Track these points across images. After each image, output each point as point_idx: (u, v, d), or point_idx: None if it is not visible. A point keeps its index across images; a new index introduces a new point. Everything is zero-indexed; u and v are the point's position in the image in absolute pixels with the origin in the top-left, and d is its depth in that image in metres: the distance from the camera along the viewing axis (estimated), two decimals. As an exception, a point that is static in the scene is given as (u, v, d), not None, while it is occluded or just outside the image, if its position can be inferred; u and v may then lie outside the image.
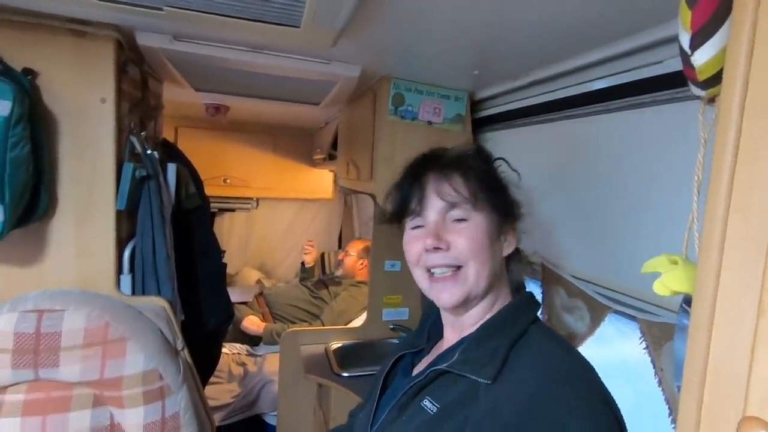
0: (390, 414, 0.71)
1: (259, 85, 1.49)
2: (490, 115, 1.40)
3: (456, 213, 0.70)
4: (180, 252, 1.34)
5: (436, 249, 0.68)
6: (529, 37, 0.94)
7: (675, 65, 0.78)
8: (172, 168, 1.31)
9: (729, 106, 0.31)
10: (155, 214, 1.16)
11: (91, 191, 1.06)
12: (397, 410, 0.69)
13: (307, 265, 3.11)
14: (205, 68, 1.27)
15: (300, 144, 3.18)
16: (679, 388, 0.39)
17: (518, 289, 0.78)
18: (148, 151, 1.18)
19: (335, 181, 3.39)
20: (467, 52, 1.08)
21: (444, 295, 0.70)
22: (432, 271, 0.70)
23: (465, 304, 0.71)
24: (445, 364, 0.66)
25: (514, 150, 1.34)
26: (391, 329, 2.08)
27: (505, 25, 0.89)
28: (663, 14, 0.74)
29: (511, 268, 0.77)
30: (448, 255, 0.68)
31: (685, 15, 0.33)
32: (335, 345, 2.05)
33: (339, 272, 2.74)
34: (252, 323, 2.47)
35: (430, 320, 0.86)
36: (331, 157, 2.27)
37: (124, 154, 1.12)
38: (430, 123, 1.34)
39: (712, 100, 0.35)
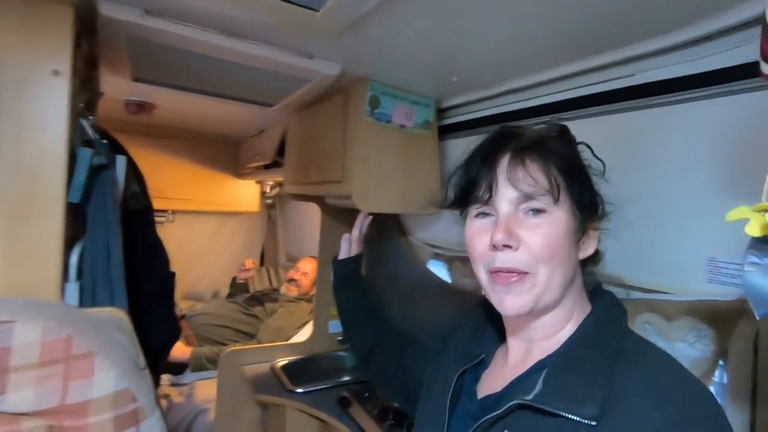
0: None
1: (216, 79, 1.38)
2: (452, 123, 1.50)
3: (532, 205, 0.59)
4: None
5: (506, 246, 0.58)
6: (490, 55, 1.02)
7: (645, 78, 0.92)
8: (121, 161, 1.14)
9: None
10: (110, 212, 1.00)
11: (34, 181, 0.87)
12: None
13: (238, 281, 2.88)
14: (165, 53, 1.15)
15: (223, 154, 2.98)
16: (762, 314, 0.47)
17: (593, 294, 0.68)
18: (101, 140, 1.01)
19: (262, 193, 3.23)
20: (436, 62, 1.13)
21: (507, 302, 0.60)
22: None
23: (531, 312, 0.61)
24: (528, 397, 0.54)
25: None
26: (339, 341, 2.03)
27: (467, 44, 0.96)
28: (635, 33, 0.85)
29: (586, 270, 0.67)
30: (516, 258, 0.59)
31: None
32: (281, 362, 1.93)
33: (292, 292, 2.57)
34: (176, 349, 2.19)
35: (484, 326, 0.77)
36: (276, 165, 2.17)
37: (75, 139, 0.95)
38: (402, 126, 1.38)
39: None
